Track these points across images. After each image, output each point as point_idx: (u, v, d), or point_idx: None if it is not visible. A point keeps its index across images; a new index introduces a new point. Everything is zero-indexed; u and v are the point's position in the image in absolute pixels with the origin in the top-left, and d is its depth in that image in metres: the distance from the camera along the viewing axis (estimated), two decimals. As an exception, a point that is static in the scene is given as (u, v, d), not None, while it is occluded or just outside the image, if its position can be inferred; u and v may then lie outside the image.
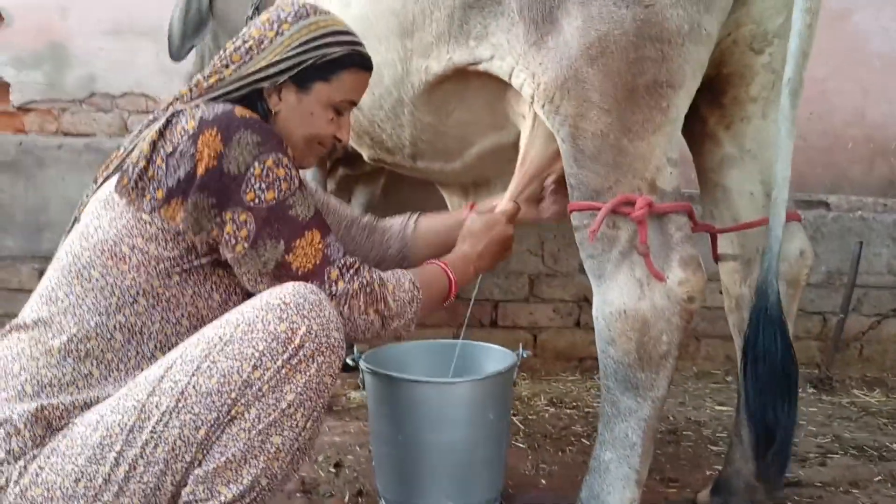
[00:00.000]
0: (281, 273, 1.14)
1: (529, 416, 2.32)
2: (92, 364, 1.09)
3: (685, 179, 1.36)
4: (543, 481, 1.85)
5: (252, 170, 1.11)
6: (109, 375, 1.10)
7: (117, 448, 1.02)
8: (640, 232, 1.27)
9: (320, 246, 1.16)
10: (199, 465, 1.04)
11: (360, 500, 1.72)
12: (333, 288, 1.15)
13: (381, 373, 1.55)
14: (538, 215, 1.57)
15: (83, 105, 3.08)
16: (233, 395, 1.02)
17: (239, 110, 1.15)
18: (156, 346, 1.12)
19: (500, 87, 1.47)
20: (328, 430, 2.13)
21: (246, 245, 1.12)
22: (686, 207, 1.32)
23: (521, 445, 2.07)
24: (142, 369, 1.11)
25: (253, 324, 1.04)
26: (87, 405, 1.07)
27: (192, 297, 1.15)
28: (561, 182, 1.44)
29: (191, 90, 1.24)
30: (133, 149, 1.18)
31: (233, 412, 1.03)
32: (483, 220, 1.43)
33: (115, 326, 1.10)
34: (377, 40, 1.61)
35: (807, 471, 1.93)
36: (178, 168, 1.10)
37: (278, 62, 1.22)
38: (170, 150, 1.11)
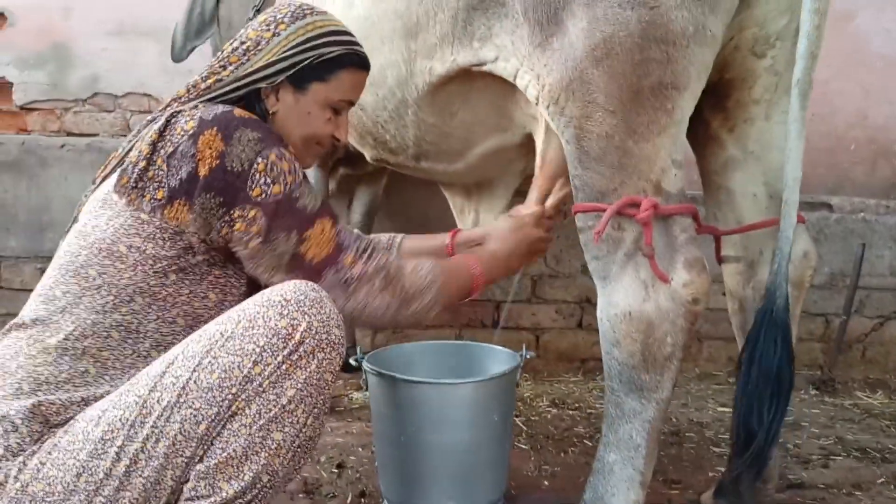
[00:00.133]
0: (295, 264, 1.15)
1: (532, 418, 2.33)
2: (88, 362, 1.10)
3: (688, 181, 1.36)
4: (546, 482, 1.85)
5: (256, 165, 1.11)
6: (105, 373, 1.10)
7: (118, 443, 1.02)
8: (646, 233, 1.27)
9: (332, 234, 1.17)
10: (201, 460, 1.04)
11: (362, 500, 1.72)
12: (350, 272, 1.17)
13: (384, 374, 1.55)
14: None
15: (86, 105, 3.08)
16: (233, 390, 1.03)
17: (237, 111, 1.15)
18: (151, 345, 1.13)
19: (505, 88, 1.47)
20: (330, 431, 2.13)
21: (259, 240, 1.13)
22: (691, 209, 1.32)
23: (523, 446, 2.07)
24: (138, 368, 1.11)
25: (254, 320, 1.05)
26: (84, 402, 1.08)
27: (188, 296, 1.15)
28: None
29: (188, 91, 1.24)
30: (131, 149, 1.18)
31: (233, 408, 1.03)
32: (511, 222, 1.46)
33: (111, 325, 1.10)
34: (381, 41, 1.61)
35: (809, 472, 1.93)
36: (180, 169, 1.10)
37: (275, 62, 1.22)
38: (170, 150, 1.11)
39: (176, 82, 2.90)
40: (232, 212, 1.12)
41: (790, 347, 1.30)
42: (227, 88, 1.23)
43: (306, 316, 1.05)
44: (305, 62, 1.23)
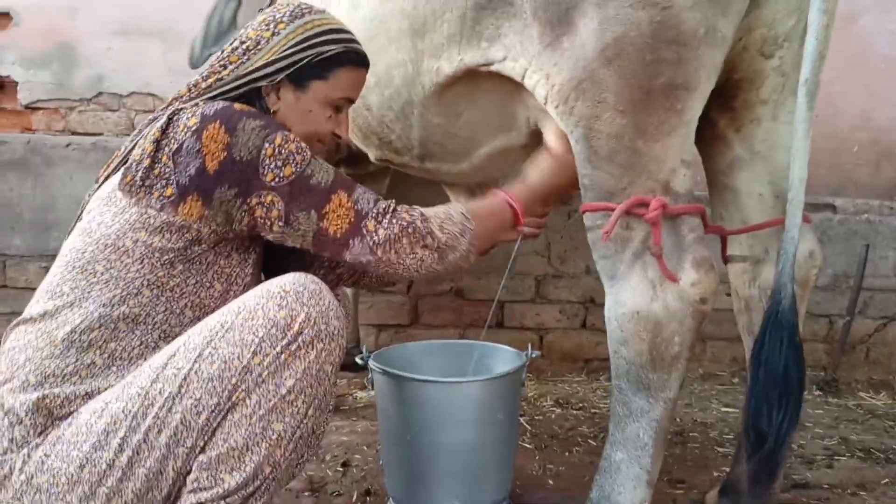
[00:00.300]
0: (320, 240, 1.18)
1: (536, 417, 2.33)
2: (95, 354, 1.11)
3: (693, 181, 1.36)
4: (551, 481, 1.85)
5: (264, 151, 1.13)
6: (112, 365, 1.11)
7: (121, 434, 1.04)
8: (654, 233, 1.27)
9: (350, 204, 1.18)
10: (203, 451, 1.05)
11: (367, 499, 1.72)
12: (375, 237, 1.18)
13: (390, 372, 1.55)
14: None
15: (91, 104, 3.09)
16: (233, 380, 1.04)
17: (237, 104, 1.17)
18: (160, 336, 1.14)
19: (511, 88, 1.47)
20: (335, 430, 2.14)
21: (281, 224, 1.15)
22: (699, 209, 1.32)
23: (527, 446, 2.08)
24: (145, 359, 1.12)
25: (253, 311, 1.06)
26: (90, 395, 1.09)
27: (194, 286, 1.16)
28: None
29: (189, 90, 1.26)
30: (133, 147, 1.19)
31: (234, 398, 1.04)
32: (543, 151, 1.44)
33: (118, 317, 1.12)
34: (387, 41, 1.61)
35: (814, 473, 1.93)
36: (188, 165, 1.12)
37: (275, 61, 1.24)
38: (175, 147, 1.13)
39: (180, 82, 2.89)
40: (249, 200, 1.14)
41: (798, 347, 1.29)
42: (228, 87, 1.24)
43: (305, 307, 1.07)
44: (305, 61, 1.25)
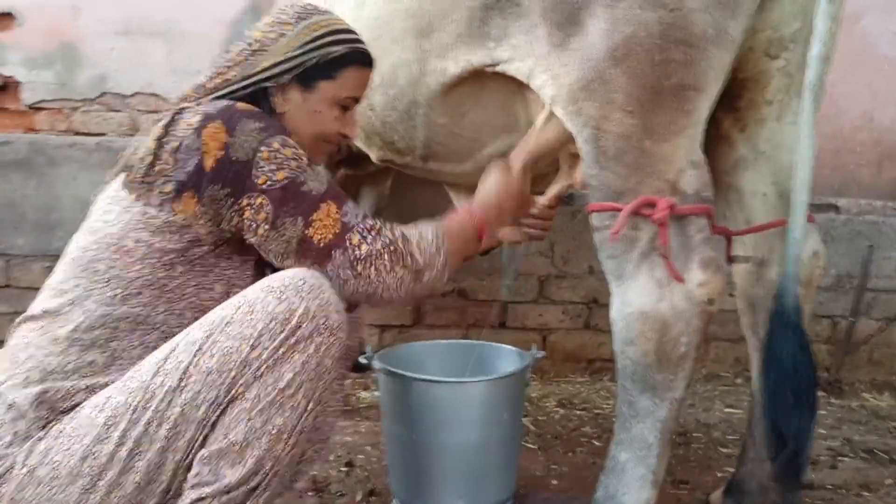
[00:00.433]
0: (303, 248, 1.16)
1: (539, 418, 2.33)
2: (96, 352, 1.11)
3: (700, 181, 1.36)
4: (554, 482, 1.85)
5: (259, 154, 1.13)
6: (113, 363, 1.11)
7: (122, 427, 1.04)
8: (661, 233, 1.27)
9: (338, 215, 1.17)
10: (203, 446, 1.05)
11: (372, 499, 1.73)
12: (357, 252, 1.17)
13: (394, 372, 1.55)
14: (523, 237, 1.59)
15: (94, 105, 3.09)
16: (232, 374, 1.04)
17: (240, 104, 1.18)
18: (159, 337, 1.14)
19: (514, 88, 1.48)
20: (339, 430, 2.14)
21: (267, 227, 1.14)
22: (707, 210, 1.32)
23: (531, 446, 2.08)
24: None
25: (253, 305, 1.06)
26: (92, 389, 1.09)
27: (194, 288, 1.16)
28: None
29: (195, 91, 1.26)
30: (139, 146, 1.20)
31: (233, 392, 1.05)
32: (495, 168, 1.44)
33: (119, 316, 1.12)
34: (392, 41, 1.62)
35: (818, 474, 1.93)
36: (187, 162, 1.12)
37: (281, 62, 1.24)
38: (176, 145, 1.13)
39: (184, 82, 2.89)
40: (240, 201, 1.14)
41: (806, 344, 1.29)
42: (234, 87, 1.24)
43: (304, 301, 1.07)
44: (312, 62, 1.25)
